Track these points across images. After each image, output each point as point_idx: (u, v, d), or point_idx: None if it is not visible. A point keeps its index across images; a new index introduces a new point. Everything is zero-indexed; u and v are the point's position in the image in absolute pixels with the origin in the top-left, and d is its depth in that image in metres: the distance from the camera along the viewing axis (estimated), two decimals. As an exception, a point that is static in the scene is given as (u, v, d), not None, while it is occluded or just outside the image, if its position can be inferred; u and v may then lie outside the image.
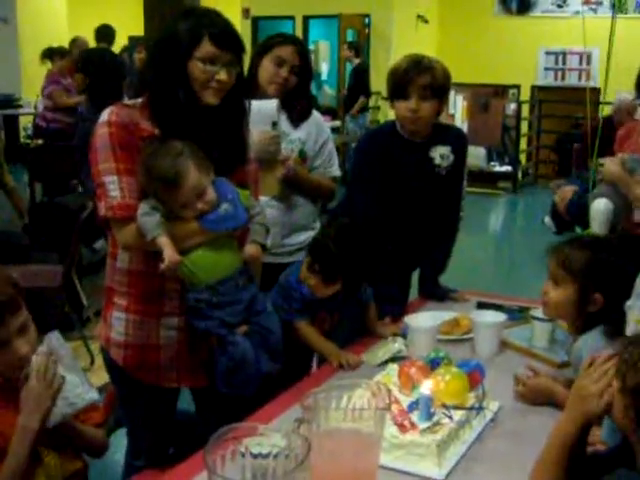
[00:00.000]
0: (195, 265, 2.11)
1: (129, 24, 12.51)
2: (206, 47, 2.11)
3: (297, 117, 3.05)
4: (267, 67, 2.96)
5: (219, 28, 2.15)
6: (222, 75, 2.13)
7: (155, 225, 2.05)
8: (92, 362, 4.41)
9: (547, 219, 3.27)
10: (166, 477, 1.86)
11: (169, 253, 2.03)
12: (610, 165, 2.89)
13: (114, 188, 2.09)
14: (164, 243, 2.04)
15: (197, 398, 2.49)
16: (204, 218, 2.11)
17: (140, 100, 2.22)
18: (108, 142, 2.11)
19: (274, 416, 2.08)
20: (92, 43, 8.74)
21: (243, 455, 1.49)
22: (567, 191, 3.16)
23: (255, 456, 1.50)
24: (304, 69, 3.01)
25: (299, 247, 3.09)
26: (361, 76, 10.52)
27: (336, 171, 3.19)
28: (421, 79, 2.85)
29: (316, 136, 3.09)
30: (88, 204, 4.25)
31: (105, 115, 2.16)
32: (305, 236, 3.12)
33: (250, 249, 2.22)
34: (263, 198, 2.61)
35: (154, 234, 2.04)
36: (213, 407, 2.39)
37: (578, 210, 3.05)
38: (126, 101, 2.30)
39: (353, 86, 10.69)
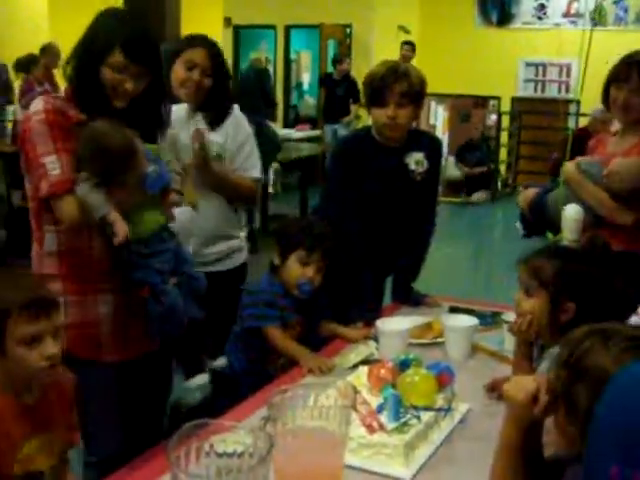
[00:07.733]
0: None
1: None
2: (116, 56, 2.22)
3: (214, 119, 2.97)
4: (178, 71, 2.90)
5: (133, 39, 2.25)
6: (128, 85, 2.25)
7: (102, 202, 2.17)
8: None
9: (517, 223, 3.28)
10: (132, 477, 1.85)
11: (122, 227, 2.17)
12: (568, 165, 3.05)
13: (54, 167, 2.20)
14: (115, 218, 2.17)
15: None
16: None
17: (62, 92, 2.40)
18: (45, 126, 2.21)
19: (244, 416, 2.07)
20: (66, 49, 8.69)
21: (208, 454, 1.49)
22: (529, 192, 3.22)
23: (220, 455, 1.50)
24: (218, 71, 2.93)
25: (217, 257, 3.05)
26: (353, 85, 10.44)
27: (256, 173, 3.08)
28: (398, 86, 2.86)
29: (234, 135, 3.01)
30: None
31: (38, 104, 2.26)
32: (226, 246, 3.08)
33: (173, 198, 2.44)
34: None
35: (104, 211, 2.17)
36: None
37: (537, 209, 3.12)
38: (47, 92, 2.46)
39: (344, 96, 10.66)
